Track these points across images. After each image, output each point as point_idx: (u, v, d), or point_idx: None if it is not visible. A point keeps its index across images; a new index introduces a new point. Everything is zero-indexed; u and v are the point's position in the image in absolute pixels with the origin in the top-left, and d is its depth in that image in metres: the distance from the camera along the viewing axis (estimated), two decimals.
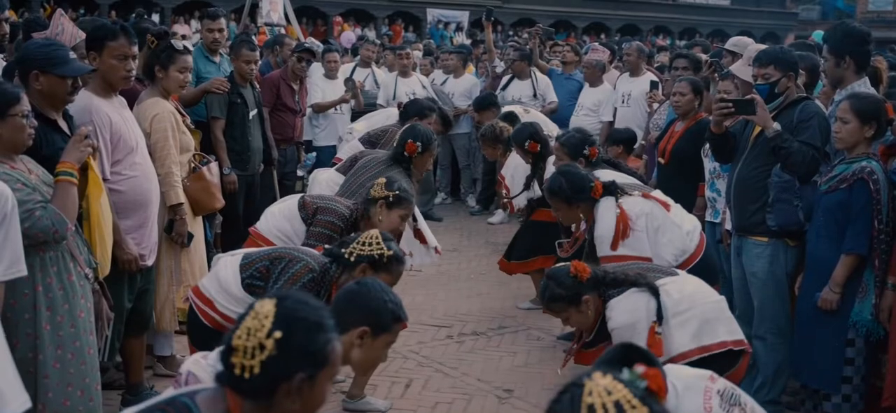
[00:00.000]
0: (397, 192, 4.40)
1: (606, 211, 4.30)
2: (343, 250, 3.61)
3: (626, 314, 3.46)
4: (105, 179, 3.92)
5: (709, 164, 5.24)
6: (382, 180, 4.49)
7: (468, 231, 9.00)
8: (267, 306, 1.85)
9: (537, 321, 6.06)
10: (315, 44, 9.29)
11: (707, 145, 5.10)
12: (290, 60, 7.70)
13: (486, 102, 8.42)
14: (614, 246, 4.22)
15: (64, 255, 3.45)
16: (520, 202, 6.12)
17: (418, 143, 5.10)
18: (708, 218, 5.28)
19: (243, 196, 6.38)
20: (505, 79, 9.39)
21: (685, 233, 4.41)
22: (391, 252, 3.57)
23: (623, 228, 4.22)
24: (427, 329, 5.88)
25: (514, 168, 6.16)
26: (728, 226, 4.81)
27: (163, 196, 4.49)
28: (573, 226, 4.68)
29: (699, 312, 3.52)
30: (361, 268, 3.52)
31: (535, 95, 9.02)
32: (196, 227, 4.91)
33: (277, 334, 1.82)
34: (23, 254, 3.02)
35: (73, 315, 3.45)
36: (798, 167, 4.23)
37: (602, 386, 1.58)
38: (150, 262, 4.32)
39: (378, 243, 3.57)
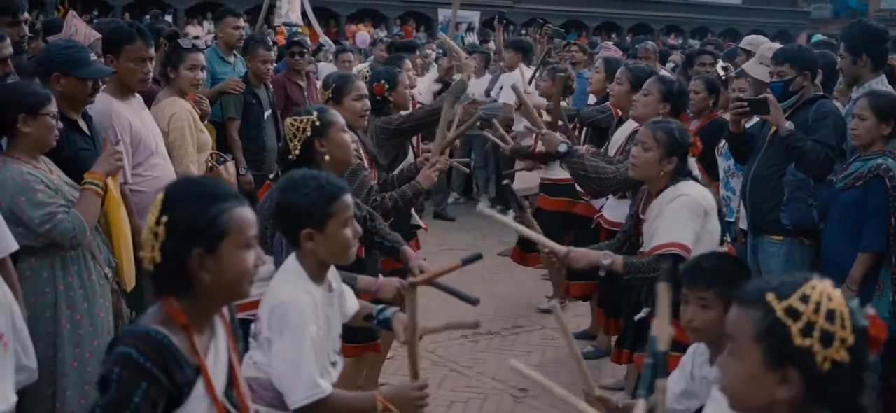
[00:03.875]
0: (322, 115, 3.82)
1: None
2: (288, 157, 3.36)
3: (702, 196, 3.50)
4: (126, 182, 3.96)
5: (723, 163, 5.22)
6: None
7: (482, 231, 8.99)
8: (159, 195, 1.89)
9: (552, 321, 6.05)
10: (328, 43, 9.28)
11: (721, 144, 5.09)
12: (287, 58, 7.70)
13: (521, 44, 8.83)
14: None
15: (84, 255, 3.49)
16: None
17: (383, 82, 4.98)
18: None
19: None
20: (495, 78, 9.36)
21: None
22: (315, 113, 3.33)
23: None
24: None
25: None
26: (742, 225, 4.80)
27: None
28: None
29: None
30: (314, 149, 3.31)
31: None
32: None
33: (165, 218, 1.85)
34: (8, 231, 2.99)
35: (93, 314, 3.49)
36: (812, 166, 4.23)
37: (828, 290, 1.56)
38: None
39: (303, 121, 3.30)
